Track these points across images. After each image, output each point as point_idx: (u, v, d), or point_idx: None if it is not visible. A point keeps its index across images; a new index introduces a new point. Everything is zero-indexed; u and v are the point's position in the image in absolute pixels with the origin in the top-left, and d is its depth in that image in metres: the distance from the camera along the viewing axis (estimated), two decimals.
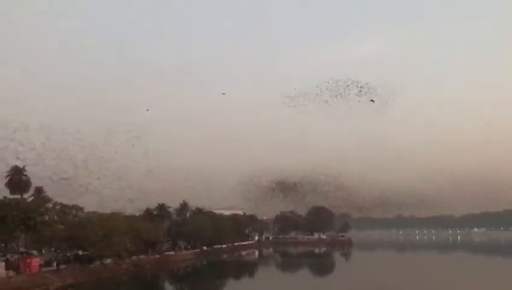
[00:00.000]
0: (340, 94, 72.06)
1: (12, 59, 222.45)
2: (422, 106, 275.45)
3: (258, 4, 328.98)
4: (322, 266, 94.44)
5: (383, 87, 72.16)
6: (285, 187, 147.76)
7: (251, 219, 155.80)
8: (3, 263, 50.57)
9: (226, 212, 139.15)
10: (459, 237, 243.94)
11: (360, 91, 70.97)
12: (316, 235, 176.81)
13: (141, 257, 75.83)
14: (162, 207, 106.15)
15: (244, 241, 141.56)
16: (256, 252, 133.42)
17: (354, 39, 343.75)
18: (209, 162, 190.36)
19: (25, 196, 75.42)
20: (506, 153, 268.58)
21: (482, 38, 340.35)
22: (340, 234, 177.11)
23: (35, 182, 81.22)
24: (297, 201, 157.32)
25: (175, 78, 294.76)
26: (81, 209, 69.58)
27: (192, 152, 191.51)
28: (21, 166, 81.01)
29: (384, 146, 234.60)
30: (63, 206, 66.43)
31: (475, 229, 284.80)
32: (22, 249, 61.93)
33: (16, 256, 55.99)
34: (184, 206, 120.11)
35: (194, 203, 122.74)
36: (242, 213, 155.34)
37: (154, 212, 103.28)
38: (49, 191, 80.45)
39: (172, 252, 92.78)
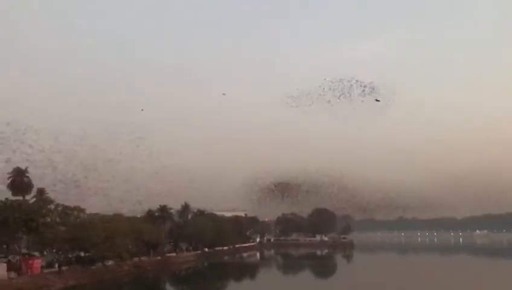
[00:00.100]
0: (343, 94, 71.51)
1: (12, 59, 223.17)
2: (423, 106, 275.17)
3: (258, 4, 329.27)
4: (323, 268, 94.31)
5: (384, 87, 71.68)
6: (288, 189, 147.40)
7: (252, 221, 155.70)
8: (5, 265, 50.61)
9: (228, 214, 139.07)
10: (461, 239, 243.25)
11: (364, 91, 70.42)
12: (317, 237, 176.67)
13: (143, 258, 75.88)
14: (163, 209, 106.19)
15: (246, 243, 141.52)
16: (258, 254, 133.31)
17: (354, 39, 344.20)
18: (210, 163, 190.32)
19: (27, 197, 75.62)
20: (507, 154, 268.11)
21: (482, 38, 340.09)
22: (342, 236, 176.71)
23: (44, 185, 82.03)
24: (300, 203, 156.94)
25: (175, 78, 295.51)
26: (83, 210, 69.58)
27: (192, 153, 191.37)
28: (31, 168, 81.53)
29: (385, 147, 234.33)
30: (64, 207, 66.48)
31: (477, 231, 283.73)
32: (23, 251, 62.13)
33: (18, 257, 56.05)
34: (186, 207, 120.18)
35: (195, 205, 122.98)
36: (243, 215, 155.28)
37: (156, 214, 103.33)
38: (57, 194, 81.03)
39: (174, 254, 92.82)
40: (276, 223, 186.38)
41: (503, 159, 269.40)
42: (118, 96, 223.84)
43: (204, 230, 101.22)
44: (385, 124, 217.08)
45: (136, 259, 72.23)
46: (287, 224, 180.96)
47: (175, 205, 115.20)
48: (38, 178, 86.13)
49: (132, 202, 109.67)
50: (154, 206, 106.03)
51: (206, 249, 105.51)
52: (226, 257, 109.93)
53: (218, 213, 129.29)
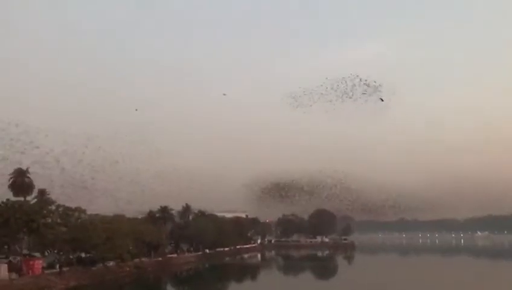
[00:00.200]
0: (345, 94, 70.71)
1: (12, 59, 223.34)
2: (423, 107, 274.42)
3: (258, 4, 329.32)
4: (324, 269, 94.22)
5: (385, 88, 70.93)
6: (289, 190, 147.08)
7: (253, 222, 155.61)
8: (6, 265, 50.63)
9: (229, 215, 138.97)
10: (462, 241, 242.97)
11: (366, 90, 69.53)
12: (318, 239, 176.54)
13: (144, 259, 75.81)
14: (164, 210, 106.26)
15: (247, 244, 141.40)
16: (259, 255, 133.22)
17: (354, 40, 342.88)
18: (210, 163, 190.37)
19: (28, 198, 75.62)
20: (508, 154, 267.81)
21: (482, 38, 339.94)
22: (343, 237, 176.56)
23: (53, 186, 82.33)
24: (302, 204, 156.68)
25: (175, 78, 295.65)
26: (84, 211, 69.54)
27: (192, 153, 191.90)
28: (40, 169, 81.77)
29: (386, 147, 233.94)
30: (65, 208, 66.41)
31: (478, 232, 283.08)
32: (24, 251, 62.03)
33: (19, 258, 56.03)
34: (187, 208, 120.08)
35: (196, 206, 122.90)
36: (244, 216, 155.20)
37: (157, 215, 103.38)
38: (65, 196, 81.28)
39: (175, 255, 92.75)
40: (277, 224, 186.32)
41: (504, 159, 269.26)
42: (118, 96, 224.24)
43: (205, 231, 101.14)
44: (385, 124, 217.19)
45: (136, 260, 72.18)
46: (288, 225, 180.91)
47: (176, 206, 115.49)
48: (49, 180, 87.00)
49: (138, 203, 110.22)
50: (151, 207, 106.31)
51: (207, 250, 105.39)
52: (227, 258, 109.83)
53: (219, 214, 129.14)
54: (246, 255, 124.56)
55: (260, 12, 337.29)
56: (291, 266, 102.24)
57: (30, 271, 52.32)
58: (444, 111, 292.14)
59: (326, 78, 72.27)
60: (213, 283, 68.81)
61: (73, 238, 60.45)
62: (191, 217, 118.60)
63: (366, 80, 68.59)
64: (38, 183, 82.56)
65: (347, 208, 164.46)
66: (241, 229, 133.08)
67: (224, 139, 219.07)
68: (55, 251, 64.67)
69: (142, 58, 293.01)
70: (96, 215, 77.70)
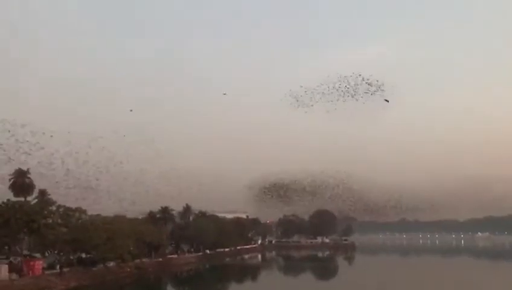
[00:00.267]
0: (348, 93, 69.77)
1: (12, 58, 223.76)
2: (423, 107, 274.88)
3: (258, 4, 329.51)
4: (325, 270, 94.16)
5: (385, 88, 69.95)
6: (290, 190, 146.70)
7: (254, 223, 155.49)
8: (7, 266, 50.65)
9: (229, 216, 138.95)
10: (462, 242, 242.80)
11: (369, 90, 68.53)
12: (319, 239, 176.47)
13: (144, 260, 75.79)
14: (165, 210, 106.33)
15: (247, 244, 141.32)
16: (259, 256, 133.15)
17: (354, 40, 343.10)
18: (211, 164, 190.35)
19: (29, 198, 75.62)
20: (509, 155, 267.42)
21: (482, 38, 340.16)
22: (344, 237, 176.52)
23: (59, 188, 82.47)
24: (305, 204, 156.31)
25: (175, 78, 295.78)
26: (84, 211, 69.63)
27: (193, 154, 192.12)
28: (46, 171, 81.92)
29: (386, 147, 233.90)
30: (66, 209, 66.52)
31: (479, 233, 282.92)
32: (25, 252, 62.01)
33: (19, 259, 56.03)
34: (187, 209, 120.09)
35: (196, 206, 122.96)
36: (245, 216, 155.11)
37: (157, 215, 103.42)
38: (71, 197, 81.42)
39: (175, 256, 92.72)
40: (278, 224, 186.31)
41: (504, 160, 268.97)
42: (118, 96, 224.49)
43: (206, 232, 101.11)
44: (385, 125, 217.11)
45: (137, 260, 72.17)
46: (288, 226, 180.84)
47: (176, 207, 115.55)
48: (54, 181, 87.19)
49: (141, 204, 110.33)
50: (156, 207, 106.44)
51: (208, 251, 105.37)
52: (227, 259, 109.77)
53: (219, 215, 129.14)
54: (246, 256, 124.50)
55: (260, 12, 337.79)
56: (291, 267, 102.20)
57: (30, 272, 52.33)
58: (444, 111, 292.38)
59: (328, 76, 70.94)
60: (213, 283, 68.76)
61: (73, 238, 60.47)
62: (191, 218, 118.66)
63: (368, 79, 67.51)
64: (45, 185, 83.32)
65: (349, 208, 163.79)
66: (241, 229, 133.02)
67: (224, 139, 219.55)
68: (56, 252, 64.67)
69: (142, 58, 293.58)
70: (97, 215, 77.73)
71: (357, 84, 68.20)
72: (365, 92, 68.16)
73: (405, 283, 62.21)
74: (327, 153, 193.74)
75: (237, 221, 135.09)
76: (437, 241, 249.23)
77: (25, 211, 56.38)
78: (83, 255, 65.10)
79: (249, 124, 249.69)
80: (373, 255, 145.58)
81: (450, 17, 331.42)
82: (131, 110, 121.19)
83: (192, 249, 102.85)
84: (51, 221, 60.83)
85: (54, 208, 65.55)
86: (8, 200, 60.58)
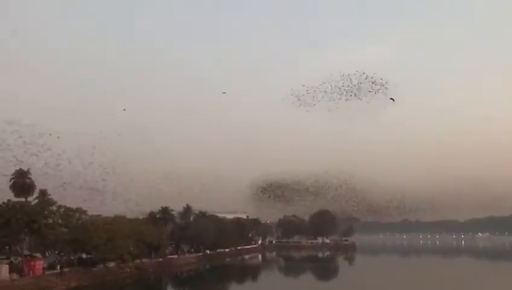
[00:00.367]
0: (351, 92, 68.79)
1: (12, 58, 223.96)
2: (423, 107, 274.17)
3: (258, 4, 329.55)
4: (325, 270, 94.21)
5: (391, 86, 68.78)
6: (294, 191, 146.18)
7: (254, 223, 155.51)
8: (7, 266, 50.77)
9: (229, 216, 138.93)
10: (463, 242, 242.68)
11: (372, 88, 67.54)
12: (319, 239, 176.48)
13: (144, 260, 75.85)
14: (165, 210, 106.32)
15: (248, 245, 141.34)
16: (260, 256, 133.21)
17: (354, 40, 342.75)
18: (211, 164, 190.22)
19: (30, 199, 75.73)
20: (509, 155, 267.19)
21: (482, 38, 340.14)
22: (344, 238, 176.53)
23: (67, 190, 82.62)
24: (308, 205, 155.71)
25: (175, 78, 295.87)
26: (85, 212, 69.70)
27: (193, 154, 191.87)
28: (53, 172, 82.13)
29: (386, 147, 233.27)
30: (67, 209, 66.57)
31: (479, 234, 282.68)
32: (25, 252, 62.02)
33: (20, 259, 56.11)
34: (187, 209, 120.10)
35: (197, 206, 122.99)
36: (245, 217, 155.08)
37: (158, 216, 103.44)
38: (75, 198, 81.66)
39: (176, 256, 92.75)
40: (278, 225, 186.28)
41: (504, 160, 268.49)
42: (118, 96, 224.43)
43: (206, 232, 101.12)
44: (385, 125, 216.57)
45: (137, 261, 72.25)
46: (289, 226, 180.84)
47: (176, 207, 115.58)
48: (63, 182, 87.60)
49: (144, 205, 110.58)
50: (156, 208, 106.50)
51: (208, 251, 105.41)
52: (227, 259, 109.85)
53: (219, 215, 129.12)
54: (246, 256, 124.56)
55: (260, 12, 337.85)
56: (292, 267, 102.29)
57: (31, 272, 52.47)
58: (444, 111, 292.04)
59: (331, 74, 69.93)
60: (214, 283, 68.87)
61: (74, 239, 60.58)
62: (191, 218, 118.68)
63: (372, 77, 66.53)
64: (52, 186, 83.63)
65: (352, 209, 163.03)
66: (242, 230, 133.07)
67: (224, 139, 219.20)
68: (56, 252, 64.82)
69: (142, 58, 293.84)
70: (97, 216, 77.79)
71: (361, 83, 67.16)
72: (368, 91, 67.25)
73: (405, 284, 62.25)
74: (328, 153, 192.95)
75: (237, 221, 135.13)
76: (437, 242, 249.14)
77: (26, 211, 56.40)
78: (83, 256, 65.18)
79: (249, 124, 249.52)
80: (373, 255, 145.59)
81: (450, 17, 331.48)
82: (124, 110, 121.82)
83: (192, 250, 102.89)
84: (51, 221, 60.77)
85: (54, 208, 65.61)
86: (9, 200, 60.64)
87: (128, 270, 67.95)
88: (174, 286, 71.77)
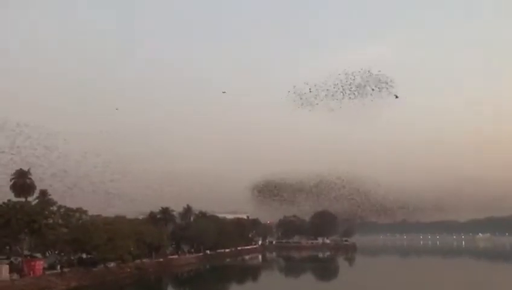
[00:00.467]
0: (356, 90, 67.93)
1: (11, 59, 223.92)
2: (423, 108, 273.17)
3: (258, 4, 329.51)
4: (325, 270, 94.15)
5: (397, 84, 67.95)
6: (298, 191, 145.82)
7: (254, 223, 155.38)
8: (7, 266, 50.75)
9: (230, 216, 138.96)
10: (463, 243, 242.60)
11: (377, 86, 66.66)
12: (319, 240, 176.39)
13: (144, 260, 75.86)
14: (165, 211, 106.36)
15: (248, 245, 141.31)
16: (260, 257, 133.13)
17: (354, 40, 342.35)
18: (211, 164, 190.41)
19: (30, 199, 75.74)
20: (509, 155, 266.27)
21: (482, 38, 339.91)
22: (344, 238, 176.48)
23: (73, 191, 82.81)
24: (311, 205, 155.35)
25: (175, 78, 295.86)
26: (85, 212, 69.74)
27: (193, 154, 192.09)
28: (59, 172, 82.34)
29: (387, 148, 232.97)
30: (67, 209, 66.65)
31: (480, 234, 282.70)
32: (26, 252, 62.03)
33: (20, 259, 56.10)
34: (188, 209, 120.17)
35: (197, 207, 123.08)
36: (245, 217, 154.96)
37: (158, 216, 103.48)
38: (79, 199, 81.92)
39: (176, 256, 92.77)
40: (278, 225, 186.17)
41: (504, 160, 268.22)
42: (118, 96, 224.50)
43: (206, 232, 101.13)
44: (385, 125, 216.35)
45: (137, 261, 72.28)
46: (289, 226, 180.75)
47: (177, 207, 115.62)
48: (71, 183, 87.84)
49: (146, 204, 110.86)
50: (156, 208, 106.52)
51: (208, 252, 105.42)
52: (228, 259, 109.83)
53: (220, 215, 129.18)
54: (246, 257, 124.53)
55: (260, 12, 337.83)
56: (292, 268, 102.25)
57: (31, 272, 52.44)
58: (444, 111, 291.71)
59: (335, 71, 69.10)
60: (214, 284, 68.84)
61: (74, 239, 60.60)
62: (192, 218, 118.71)
63: (377, 75, 65.61)
64: (58, 187, 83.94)
65: (356, 209, 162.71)
66: (242, 230, 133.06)
67: (224, 139, 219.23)
68: (56, 252, 64.86)
69: (141, 58, 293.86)
70: (98, 216, 77.78)
71: (367, 81, 66.11)
72: (372, 89, 66.43)
73: (405, 284, 62.20)
74: (329, 153, 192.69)
75: (238, 221, 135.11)
76: (438, 242, 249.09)
77: (26, 212, 56.41)
78: (84, 256, 65.18)
79: (249, 124, 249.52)
80: (374, 256, 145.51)
81: (450, 17, 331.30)
82: (116, 109, 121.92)
83: (192, 250, 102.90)
84: (51, 221, 60.81)
85: (54, 208, 65.69)
86: (9, 200, 60.68)
87: (129, 270, 67.96)
88: (174, 286, 71.75)
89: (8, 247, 60.24)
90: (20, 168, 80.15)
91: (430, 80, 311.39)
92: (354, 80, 66.27)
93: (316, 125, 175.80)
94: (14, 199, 66.34)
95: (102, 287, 58.50)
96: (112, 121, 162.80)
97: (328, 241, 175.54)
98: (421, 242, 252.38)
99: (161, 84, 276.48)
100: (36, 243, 62.92)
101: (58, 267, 57.83)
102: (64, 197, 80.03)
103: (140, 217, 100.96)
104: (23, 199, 71.72)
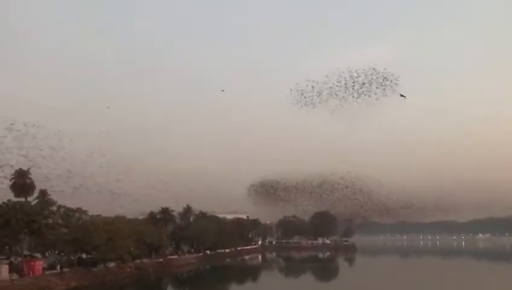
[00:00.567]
0: (360, 89, 66.96)
1: (12, 59, 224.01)
2: (424, 108, 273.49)
3: (258, 4, 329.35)
4: (325, 271, 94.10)
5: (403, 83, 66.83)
6: (300, 191, 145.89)
7: (254, 223, 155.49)
8: (7, 266, 50.72)
9: (229, 216, 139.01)
10: (463, 243, 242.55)
11: (382, 84, 65.53)
12: (319, 240, 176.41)
13: (144, 260, 75.83)
14: (165, 211, 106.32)
15: (248, 245, 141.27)
16: (260, 257, 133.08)
17: (354, 40, 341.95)
18: (211, 164, 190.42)
19: (30, 199, 75.68)
20: (509, 155, 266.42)
21: (482, 38, 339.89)
22: (344, 239, 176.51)
23: (80, 193, 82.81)
24: (313, 204, 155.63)
25: (175, 78, 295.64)
26: (85, 212, 69.70)
27: (193, 154, 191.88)
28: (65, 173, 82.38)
29: (387, 148, 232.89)
30: (67, 209, 66.58)
31: (480, 234, 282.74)
32: (25, 252, 61.98)
33: (20, 259, 56.06)
34: (187, 210, 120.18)
35: (197, 207, 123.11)
36: (245, 217, 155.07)
37: (158, 216, 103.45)
38: (82, 199, 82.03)
39: (176, 256, 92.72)
40: (278, 225, 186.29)
41: (505, 161, 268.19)
42: (118, 96, 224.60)
43: (206, 232, 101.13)
44: (385, 125, 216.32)
45: (137, 261, 72.25)
46: (289, 227, 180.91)
47: (177, 207, 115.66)
48: (77, 183, 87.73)
49: (142, 205, 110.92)
50: (156, 208, 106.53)
51: (208, 252, 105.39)
52: (227, 260, 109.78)
53: (220, 215, 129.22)
54: (246, 257, 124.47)
55: (260, 12, 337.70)
56: (292, 268, 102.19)
57: (31, 272, 52.41)
58: (444, 111, 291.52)
59: (338, 69, 67.89)
60: (214, 284, 68.83)
61: (74, 239, 60.55)
62: (191, 218, 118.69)
63: (382, 73, 64.39)
64: (63, 188, 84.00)
65: (359, 209, 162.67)
66: (242, 230, 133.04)
67: (224, 139, 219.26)
68: (56, 252, 64.76)
69: (142, 58, 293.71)
70: (98, 216, 77.76)
71: (372, 79, 65.02)
72: (376, 87, 65.50)
73: (405, 284, 62.15)
74: (329, 153, 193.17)
75: (237, 222, 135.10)
76: (438, 243, 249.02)
77: (26, 212, 56.36)
78: (84, 256, 65.14)
79: (249, 124, 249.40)
80: (374, 256, 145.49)
81: (450, 17, 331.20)
82: (108, 107, 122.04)
83: (192, 250, 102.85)
84: (51, 221, 60.77)
85: (54, 208, 65.61)
86: (9, 200, 60.62)
87: (128, 270, 67.93)
88: (174, 286, 71.69)
89: (7, 247, 60.15)
90: (20, 168, 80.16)
91: (430, 80, 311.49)
92: (358, 77, 65.41)
93: (317, 125, 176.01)
94: (14, 199, 66.28)
95: (102, 287, 58.44)
96: (112, 121, 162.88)
97: (328, 241, 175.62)
98: (421, 242, 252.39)
99: (161, 84, 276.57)
100: (36, 243, 62.86)
101: (58, 267, 57.81)
102: (71, 197, 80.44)
103: (141, 217, 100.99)
104: (23, 199, 71.67)
